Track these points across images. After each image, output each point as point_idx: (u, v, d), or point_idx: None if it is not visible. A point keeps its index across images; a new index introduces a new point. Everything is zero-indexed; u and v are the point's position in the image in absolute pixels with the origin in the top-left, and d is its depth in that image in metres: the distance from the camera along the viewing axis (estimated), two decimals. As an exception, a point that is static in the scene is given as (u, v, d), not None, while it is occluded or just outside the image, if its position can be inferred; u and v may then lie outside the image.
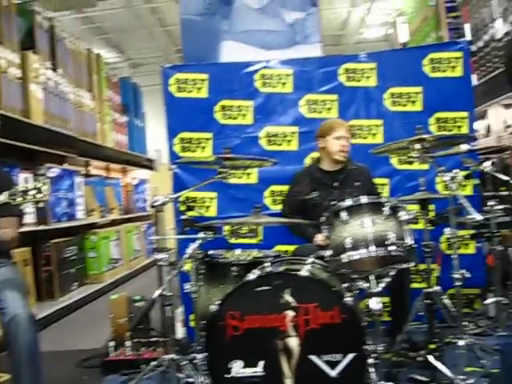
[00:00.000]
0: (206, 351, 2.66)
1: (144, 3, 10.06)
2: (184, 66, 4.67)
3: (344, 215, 2.73)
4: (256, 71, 4.32)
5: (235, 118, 4.28)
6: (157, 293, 3.01)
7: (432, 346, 3.13)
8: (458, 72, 4.22)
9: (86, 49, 7.20)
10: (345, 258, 2.69)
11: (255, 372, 2.61)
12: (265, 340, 2.60)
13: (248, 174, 4.20)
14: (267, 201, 4.20)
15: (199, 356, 2.79)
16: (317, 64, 4.35)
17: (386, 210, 2.74)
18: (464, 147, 3.38)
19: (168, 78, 4.32)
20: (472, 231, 3.83)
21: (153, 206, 3.01)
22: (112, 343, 3.68)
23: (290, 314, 2.58)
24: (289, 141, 4.24)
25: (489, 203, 3.55)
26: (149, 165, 9.69)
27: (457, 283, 2.98)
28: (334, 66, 4.30)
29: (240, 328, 2.61)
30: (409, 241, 2.73)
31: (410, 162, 4.04)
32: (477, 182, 4.03)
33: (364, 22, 11.71)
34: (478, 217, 2.67)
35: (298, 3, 5.54)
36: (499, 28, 5.59)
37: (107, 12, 9.90)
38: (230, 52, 5.44)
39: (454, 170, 2.89)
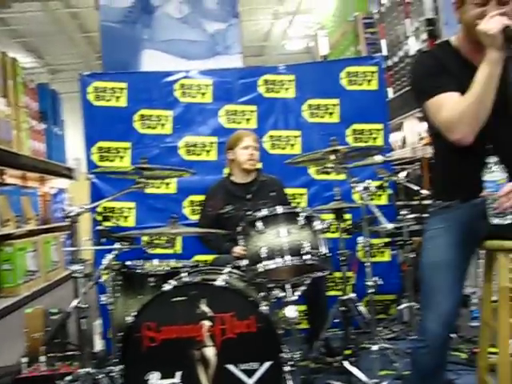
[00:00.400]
0: (122, 364, 2.61)
1: (63, 8, 9.81)
2: (102, 74, 4.62)
3: (260, 225, 2.76)
4: (176, 81, 4.32)
5: (154, 128, 4.25)
6: (72, 305, 2.95)
7: (347, 352, 3.22)
8: (374, 85, 4.37)
9: (0, 52, 6.94)
10: (261, 267, 2.71)
11: (172, 383, 2.58)
12: (181, 350, 2.59)
13: (167, 183, 4.18)
14: (186, 211, 4.19)
15: (116, 369, 2.73)
16: (236, 75, 4.40)
17: (301, 219, 2.78)
18: (378, 158, 3.50)
19: (86, 86, 4.25)
20: (386, 239, 3.95)
21: (67, 217, 2.95)
22: (25, 359, 3.56)
23: (207, 323, 2.58)
24: (208, 151, 4.26)
25: (401, 212, 3.68)
26: (68, 174, 9.44)
27: (370, 290, 3.07)
28: (253, 77, 4.36)
29: (156, 339, 2.58)
30: (323, 250, 2.79)
31: (328, 172, 4.14)
32: (390, 192, 4.17)
33: (286, 34, 11.89)
34: (389, 226, 2.77)
35: (220, 14, 5.58)
36: (412, 45, 5.84)
37: (24, 15, 9.57)
38: (151, 61, 5.41)
39: (367, 181, 3.00)
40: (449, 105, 2.06)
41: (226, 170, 4.10)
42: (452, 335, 3.40)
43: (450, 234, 2.21)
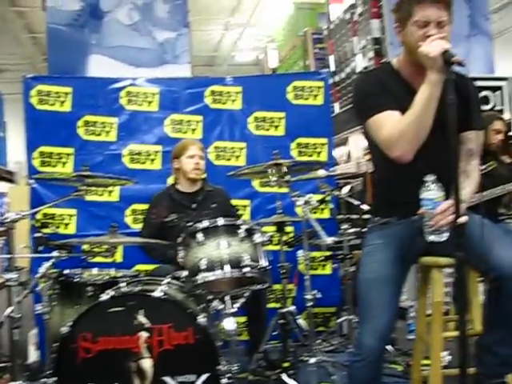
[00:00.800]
0: (57, 375, 2.55)
1: (9, 6, 9.55)
2: (47, 77, 4.52)
3: (200, 236, 2.75)
4: (122, 88, 4.27)
5: (99, 135, 4.19)
6: (4, 314, 2.87)
7: (286, 364, 3.24)
8: (320, 100, 4.43)
9: None
10: (200, 278, 2.71)
11: (108, 395, 2.54)
12: (118, 362, 2.54)
13: (109, 191, 4.12)
14: (128, 219, 4.14)
15: (49, 381, 2.66)
16: (184, 84, 4.38)
17: (242, 232, 2.79)
18: (321, 172, 3.54)
19: (29, 89, 4.16)
20: (327, 253, 3.99)
21: (3, 223, 2.87)
22: None
23: (144, 335, 2.55)
24: (152, 160, 4.22)
25: (342, 227, 3.72)
26: (9, 177, 9.18)
27: (309, 303, 3.08)
28: (200, 87, 4.36)
29: (92, 350, 2.54)
30: (263, 262, 2.80)
31: (272, 185, 4.16)
32: (332, 206, 4.20)
33: (236, 46, 11.93)
34: (328, 240, 2.80)
35: (170, 23, 5.57)
36: (359, 62, 5.98)
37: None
38: (99, 66, 5.35)
39: (308, 195, 3.02)
40: (389, 123, 2.12)
41: (169, 180, 4.07)
42: (389, 348, 3.47)
43: (388, 249, 2.26)
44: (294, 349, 3.35)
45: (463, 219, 1.88)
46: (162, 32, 5.53)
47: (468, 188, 2.17)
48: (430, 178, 2.00)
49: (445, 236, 2.03)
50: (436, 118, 2.05)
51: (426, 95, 2.03)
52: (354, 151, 6.77)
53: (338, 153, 6.84)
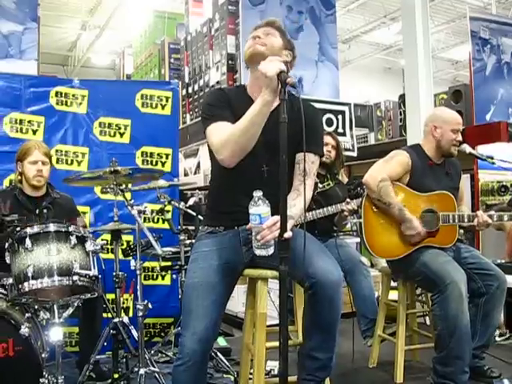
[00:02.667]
0: None
1: None
2: None
3: (28, 242, 2.63)
4: (-46, 81, 3.98)
5: None
6: None
7: (116, 376, 3.18)
8: (167, 110, 4.44)
9: None
10: (26, 286, 2.58)
11: None
12: None
13: None
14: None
15: None
16: (27, 82, 4.16)
17: (73, 239, 2.71)
18: (161, 182, 3.54)
19: None
20: (167, 263, 3.97)
21: None
22: None
23: (-44, 348, 2.39)
24: (-14, 160, 3.96)
25: (180, 237, 3.73)
26: None
27: (140, 313, 3.05)
28: (45, 86, 4.19)
29: None
30: (93, 271, 2.74)
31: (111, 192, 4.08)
32: (169, 216, 4.11)
33: (93, 47, 11.60)
34: (159, 251, 2.80)
35: (16, 15, 5.24)
36: (212, 76, 6.10)
37: None
38: None
39: (145, 204, 3.00)
40: (219, 131, 2.24)
41: (5, 182, 3.85)
42: (223, 358, 3.53)
43: (213, 257, 2.33)
44: (125, 359, 3.30)
45: (288, 234, 1.96)
46: (6, 23, 5.18)
47: (299, 205, 2.29)
48: (257, 193, 2.07)
49: (271, 250, 2.11)
50: (271, 136, 2.13)
51: (255, 111, 2.13)
52: (203, 162, 6.85)
53: (188, 164, 6.88)
